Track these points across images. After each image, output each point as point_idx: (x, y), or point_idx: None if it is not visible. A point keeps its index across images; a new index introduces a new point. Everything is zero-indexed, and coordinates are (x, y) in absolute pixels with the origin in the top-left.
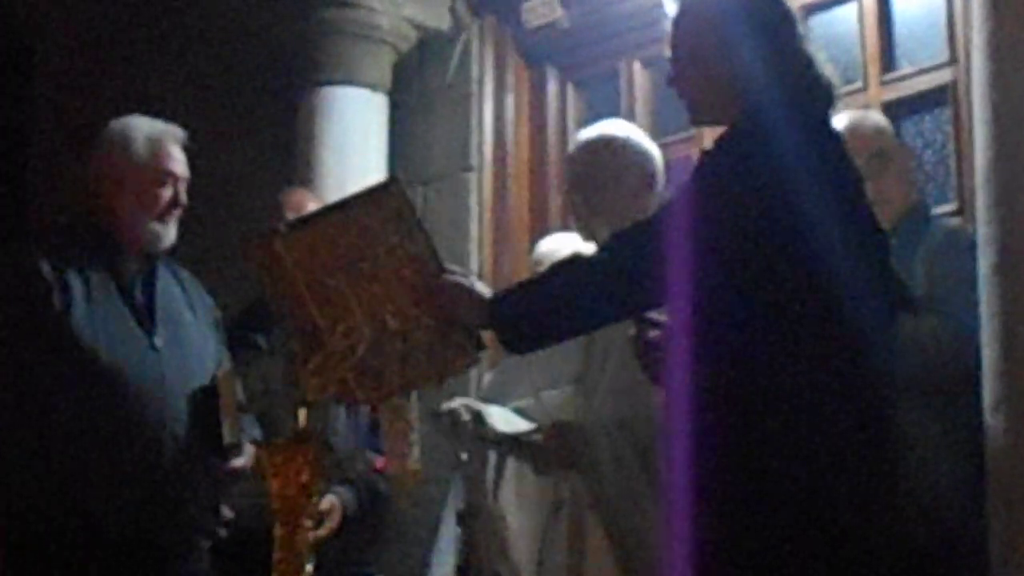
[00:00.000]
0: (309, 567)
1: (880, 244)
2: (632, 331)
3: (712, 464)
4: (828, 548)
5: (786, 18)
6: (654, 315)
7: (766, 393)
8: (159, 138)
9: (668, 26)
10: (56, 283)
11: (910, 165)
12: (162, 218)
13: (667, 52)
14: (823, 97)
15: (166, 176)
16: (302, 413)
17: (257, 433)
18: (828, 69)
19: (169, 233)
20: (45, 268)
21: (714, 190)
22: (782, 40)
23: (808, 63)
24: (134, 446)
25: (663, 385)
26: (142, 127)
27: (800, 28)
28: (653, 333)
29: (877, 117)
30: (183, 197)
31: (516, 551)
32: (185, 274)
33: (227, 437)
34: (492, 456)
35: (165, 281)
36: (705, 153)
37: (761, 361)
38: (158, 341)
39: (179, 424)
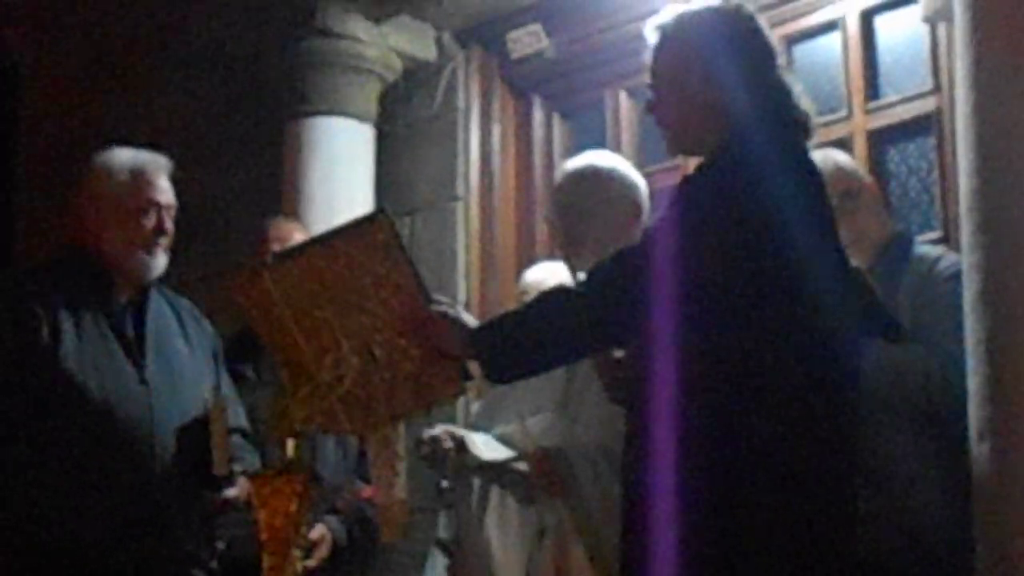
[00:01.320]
0: None
1: (848, 276)
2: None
3: (695, 481)
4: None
5: (766, 49)
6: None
7: (749, 413)
8: (141, 168)
9: (647, 55)
10: (45, 317)
11: (879, 197)
12: (148, 248)
13: (646, 80)
14: (801, 128)
15: (149, 205)
16: (290, 444)
17: (256, 461)
18: (805, 101)
19: (157, 263)
20: (33, 302)
21: (697, 215)
22: (763, 70)
23: (787, 94)
24: (121, 479)
25: (628, 406)
26: (124, 158)
27: (779, 59)
28: (615, 354)
29: (838, 157)
30: (168, 225)
31: None
32: (184, 303)
33: (217, 468)
34: (476, 484)
35: (158, 311)
36: (686, 180)
37: (743, 380)
38: (147, 374)
39: (168, 456)
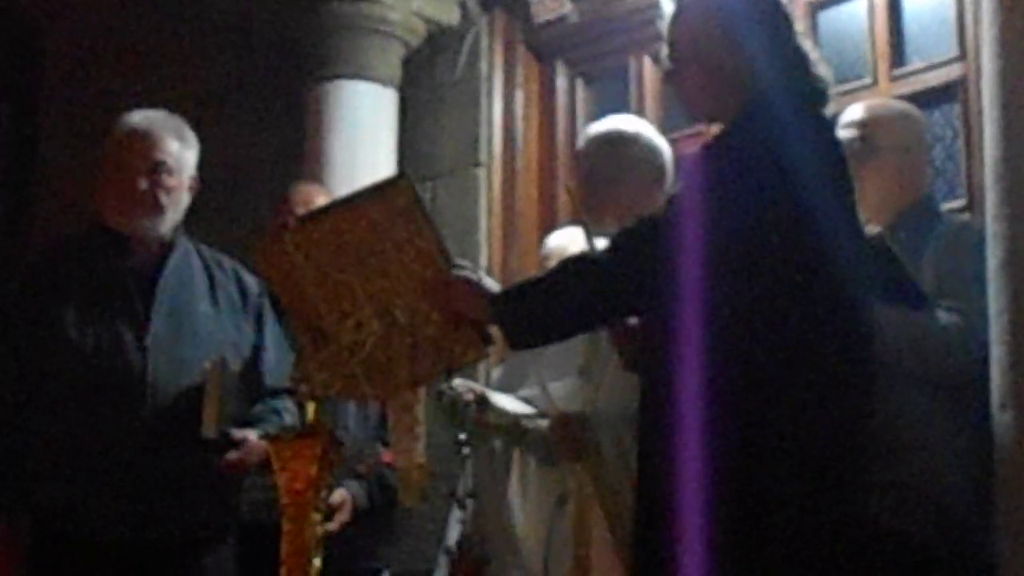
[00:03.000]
0: (316, 562)
1: (865, 242)
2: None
3: (716, 446)
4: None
5: (784, 16)
6: None
7: (771, 378)
8: (135, 127)
9: (665, 24)
10: (54, 286)
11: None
12: (141, 207)
13: (664, 49)
14: (820, 94)
15: (141, 164)
16: (310, 407)
17: (290, 419)
18: (823, 67)
19: (160, 222)
20: (45, 273)
21: (719, 182)
22: (781, 37)
23: (806, 60)
24: (114, 447)
25: (645, 373)
26: (127, 119)
27: (797, 26)
28: (630, 322)
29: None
30: (166, 183)
31: (523, 542)
32: (225, 262)
33: (204, 431)
34: (498, 447)
35: (180, 272)
36: (706, 147)
37: (766, 345)
38: (149, 338)
39: (167, 421)
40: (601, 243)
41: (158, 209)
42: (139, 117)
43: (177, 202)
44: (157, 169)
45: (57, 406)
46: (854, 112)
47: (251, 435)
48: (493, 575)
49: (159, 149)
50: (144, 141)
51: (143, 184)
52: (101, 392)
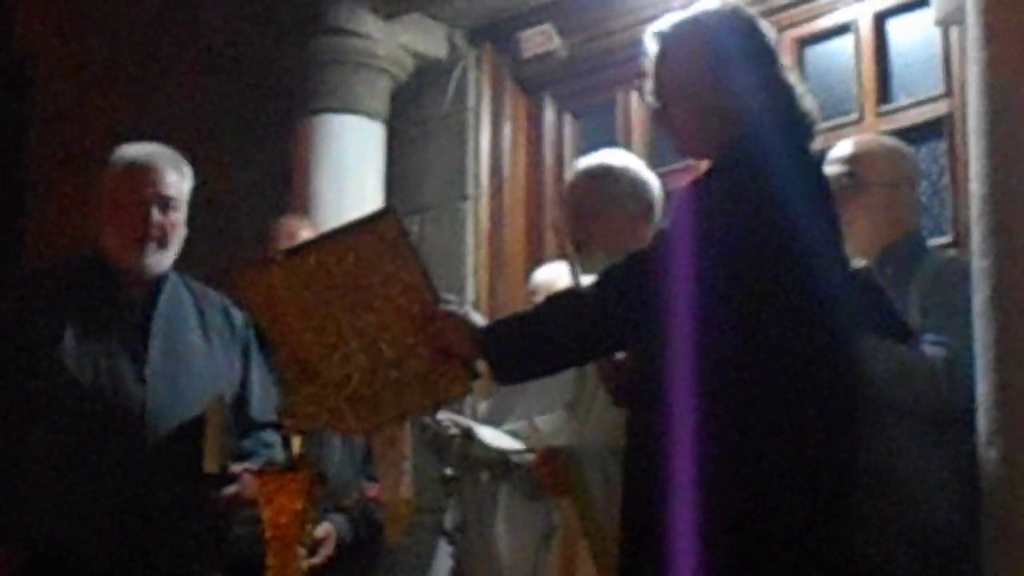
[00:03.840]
0: None
1: (851, 276)
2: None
3: (710, 479)
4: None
5: (769, 50)
6: None
7: (760, 411)
8: (134, 161)
9: (648, 62)
10: (48, 316)
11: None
12: (140, 241)
13: (649, 87)
14: (806, 128)
15: (140, 199)
16: (296, 441)
17: (279, 454)
18: (809, 100)
19: (160, 257)
20: (37, 302)
21: (708, 218)
22: (768, 72)
23: (793, 93)
24: (114, 477)
25: (632, 407)
26: (124, 152)
27: (782, 60)
28: (617, 356)
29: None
30: (172, 218)
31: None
32: (212, 296)
33: (208, 465)
34: (484, 480)
35: (173, 306)
36: (695, 182)
37: (755, 378)
38: (147, 371)
39: (165, 454)
40: (588, 278)
41: (166, 245)
42: (139, 151)
43: (179, 238)
44: (164, 204)
45: (54, 436)
46: (843, 148)
47: (246, 470)
48: None
49: (164, 184)
50: (149, 175)
51: (139, 218)
52: (100, 424)
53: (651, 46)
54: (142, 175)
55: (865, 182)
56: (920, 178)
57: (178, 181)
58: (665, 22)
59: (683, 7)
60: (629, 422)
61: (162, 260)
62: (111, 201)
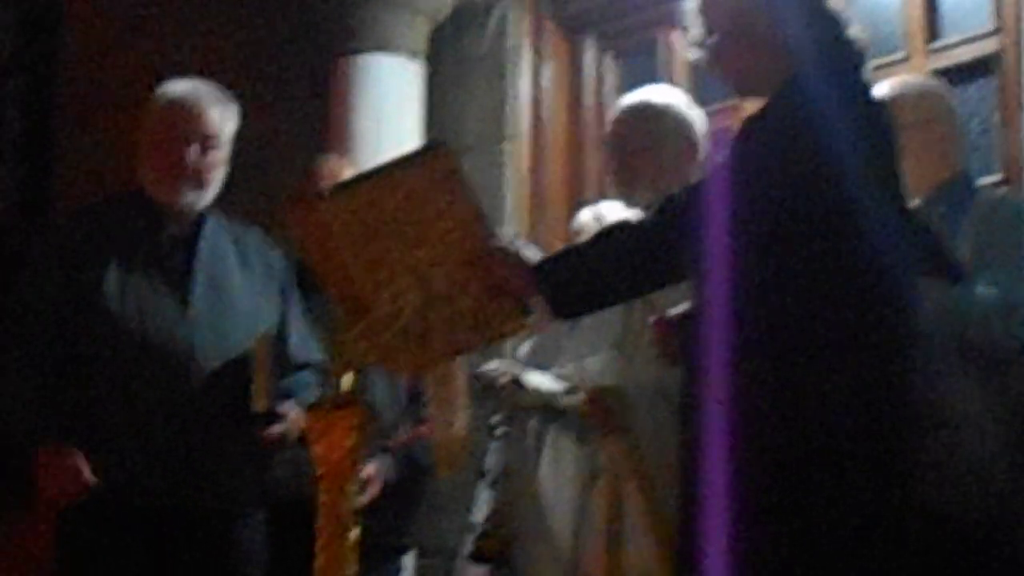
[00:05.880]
0: (354, 534)
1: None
2: (651, 318)
3: (759, 428)
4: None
5: None
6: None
7: (811, 357)
8: (177, 99)
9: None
10: (91, 255)
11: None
12: (178, 179)
13: (695, 33)
14: (858, 55)
15: (180, 135)
16: (346, 379)
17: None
18: (857, 26)
19: (199, 195)
20: (79, 241)
21: (763, 156)
22: (816, 4)
23: (842, 22)
24: (160, 415)
25: (684, 361)
26: (166, 90)
27: None
28: (671, 314)
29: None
30: (211, 157)
31: (552, 520)
32: (253, 234)
33: (256, 403)
34: (533, 425)
35: (214, 244)
36: (751, 119)
37: (805, 322)
38: (191, 309)
39: (212, 392)
40: (634, 214)
41: (204, 184)
42: (183, 88)
43: (219, 176)
44: (204, 143)
45: (98, 373)
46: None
47: (292, 409)
48: (519, 554)
49: (205, 122)
50: (190, 112)
51: (191, 157)
52: (145, 362)
53: None
54: (183, 113)
55: (900, 124)
56: (967, 117)
57: (220, 120)
58: None
59: None
60: (683, 376)
61: (200, 199)
62: (150, 138)
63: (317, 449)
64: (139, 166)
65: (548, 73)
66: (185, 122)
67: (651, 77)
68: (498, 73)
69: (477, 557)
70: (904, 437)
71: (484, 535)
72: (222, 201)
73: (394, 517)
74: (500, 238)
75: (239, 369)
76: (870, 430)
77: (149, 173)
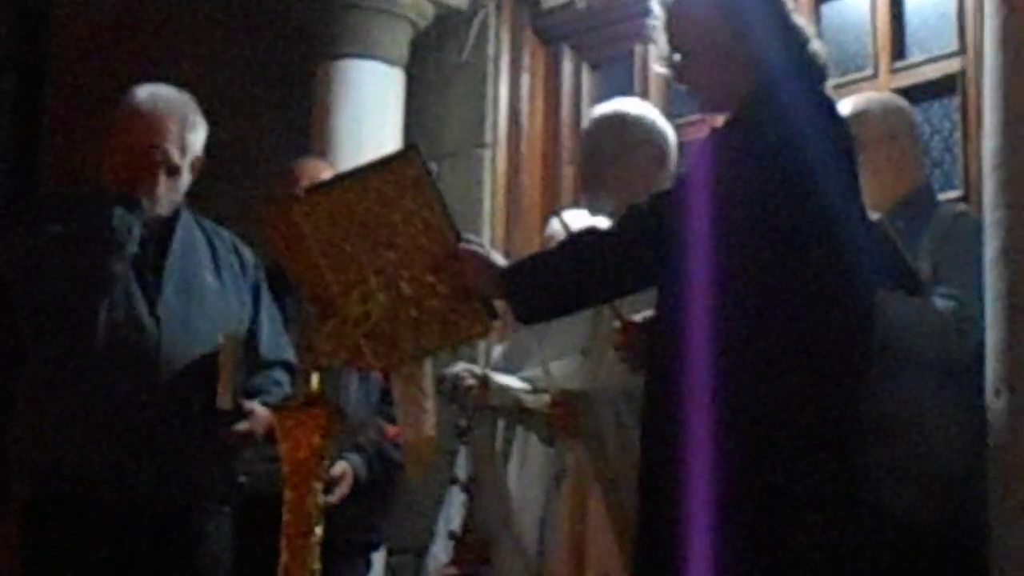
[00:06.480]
0: (318, 531)
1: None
2: (616, 324)
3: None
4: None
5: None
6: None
7: (781, 357)
8: (141, 107)
9: (661, 24)
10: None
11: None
12: (142, 187)
13: (661, 50)
14: (820, 70)
15: (136, 141)
16: (314, 378)
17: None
18: (818, 43)
19: (162, 199)
20: (53, 232)
21: (730, 166)
22: (779, 17)
23: (804, 37)
24: (127, 412)
25: (645, 370)
26: (132, 94)
27: (790, 6)
28: (635, 320)
29: (851, 103)
30: (167, 159)
31: (519, 521)
32: (224, 235)
33: (220, 402)
34: (500, 426)
35: (186, 244)
36: (717, 130)
37: (773, 328)
38: (160, 307)
39: (178, 389)
40: (602, 222)
41: (153, 192)
42: (145, 95)
43: (175, 185)
44: (156, 151)
45: (67, 368)
46: (840, 110)
47: (258, 406)
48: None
49: (149, 128)
50: (145, 121)
51: (135, 161)
52: (113, 360)
53: (662, 9)
54: (139, 120)
55: (864, 139)
56: (930, 133)
57: (179, 130)
58: None
59: None
60: (647, 378)
61: (153, 205)
62: (113, 141)
63: (284, 447)
64: (106, 167)
65: (526, 82)
66: (139, 130)
67: (626, 88)
68: (477, 81)
69: (457, 564)
70: (861, 439)
71: (462, 544)
72: (206, 202)
73: (365, 514)
74: (468, 242)
75: (206, 367)
76: (830, 432)
77: (107, 175)
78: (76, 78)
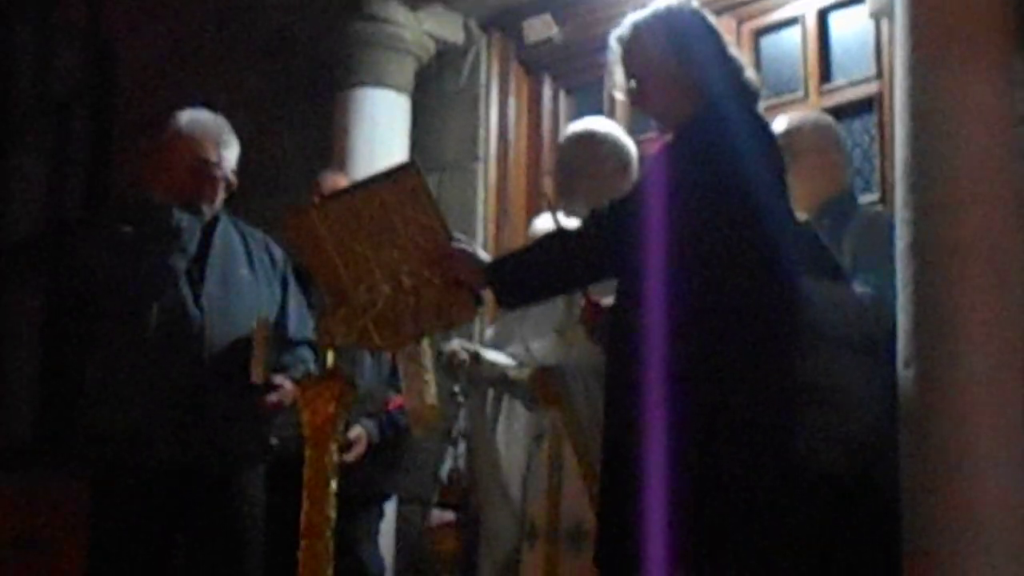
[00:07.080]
0: (333, 484)
1: (797, 225)
2: (582, 302)
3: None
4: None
5: (718, 33)
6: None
7: (723, 333)
8: (182, 127)
9: (618, 60)
10: (131, 243)
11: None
12: (206, 194)
13: (618, 80)
14: (752, 93)
15: (185, 160)
16: (330, 355)
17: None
18: (751, 71)
19: (204, 209)
20: (125, 233)
21: (679, 172)
22: (719, 48)
23: (740, 66)
24: (175, 388)
25: (599, 342)
26: (177, 120)
27: (725, 38)
28: (600, 303)
29: (787, 119)
30: (217, 174)
31: (506, 474)
32: (257, 235)
33: (254, 377)
34: (490, 394)
35: (225, 242)
36: (666, 145)
37: (718, 307)
38: (203, 297)
39: (220, 367)
40: (573, 223)
41: (213, 201)
42: (188, 118)
43: (214, 197)
44: (216, 167)
45: (127, 350)
46: (778, 125)
47: (286, 380)
48: (478, 501)
49: (207, 150)
50: (195, 141)
51: (182, 178)
52: (166, 342)
53: (618, 44)
54: (191, 138)
55: (797, 150)
56: (845, 144)
57: (218, 149)
58: (627, 23)
59: (645, 7)
60: (608, 352)
61: (210, 210)
62: (161, 159)
63: (305, 415)
64: (158, 178)
65: (513, 106)
66: (184, 150)
67: (597, 109)
68: (472, 105)
69: (442, 504)
70: (792, 408)
71: (447, 487)
72: (246, 209)
73: (379, 470)
74: (458, 242)
75: (242, 348)
76: (764, 400)
77: (165, 191)
78: (140, 104)
